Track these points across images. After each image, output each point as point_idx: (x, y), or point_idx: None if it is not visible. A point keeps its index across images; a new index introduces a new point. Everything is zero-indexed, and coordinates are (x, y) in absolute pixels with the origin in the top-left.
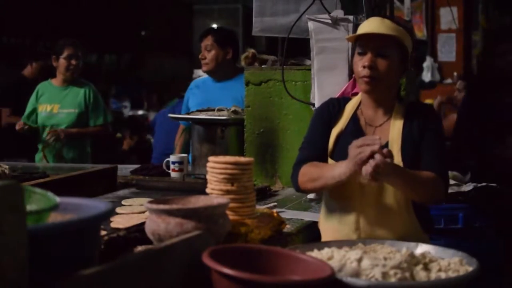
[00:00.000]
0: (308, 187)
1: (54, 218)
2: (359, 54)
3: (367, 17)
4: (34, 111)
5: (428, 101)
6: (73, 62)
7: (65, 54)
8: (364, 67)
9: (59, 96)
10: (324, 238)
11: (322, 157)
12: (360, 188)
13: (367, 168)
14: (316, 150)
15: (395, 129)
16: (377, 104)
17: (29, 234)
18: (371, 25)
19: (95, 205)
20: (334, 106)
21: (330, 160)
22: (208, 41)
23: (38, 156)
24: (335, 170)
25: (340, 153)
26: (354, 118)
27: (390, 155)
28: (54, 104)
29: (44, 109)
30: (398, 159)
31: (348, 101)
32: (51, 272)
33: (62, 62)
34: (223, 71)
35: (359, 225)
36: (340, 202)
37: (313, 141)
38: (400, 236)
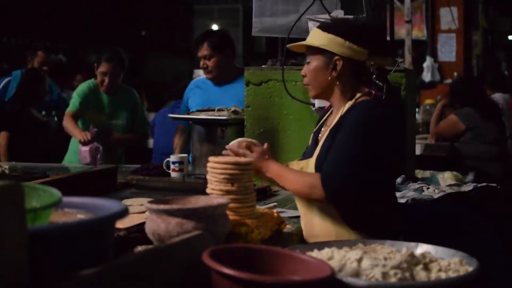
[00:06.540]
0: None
1: (74, 217)
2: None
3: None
4: (83, 106)
5: (428, 101)
6: (107, 79)
7: (99, 69)
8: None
9: (106, 106)
10: None
11: None
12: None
13: None
14: None
15: (327, 130)
16: (334, 109)
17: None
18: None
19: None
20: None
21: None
22: (205, 50)
23: (69, 156)
24: None
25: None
26: (324, 121)
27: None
28: (102, 114)
29: (91, 117)
30: (312, 160)
31: None
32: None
33: (97, 76)
34: (225, 75)
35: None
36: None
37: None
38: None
